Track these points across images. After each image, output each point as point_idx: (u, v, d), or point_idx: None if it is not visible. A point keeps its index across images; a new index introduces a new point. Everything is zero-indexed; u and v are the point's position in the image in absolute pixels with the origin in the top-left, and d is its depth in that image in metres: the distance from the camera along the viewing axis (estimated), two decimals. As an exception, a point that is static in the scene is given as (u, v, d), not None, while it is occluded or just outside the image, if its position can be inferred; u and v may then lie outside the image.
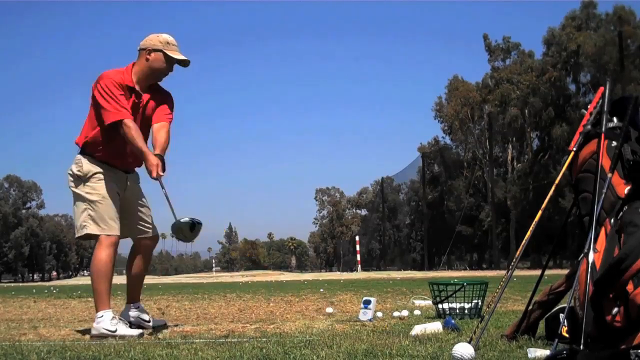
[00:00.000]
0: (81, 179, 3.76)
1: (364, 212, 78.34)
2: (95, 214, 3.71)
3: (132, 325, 3.80)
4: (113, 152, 3.79)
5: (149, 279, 26.97)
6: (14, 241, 62.16)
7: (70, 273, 77.85)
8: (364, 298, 4.27)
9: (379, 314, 4.42)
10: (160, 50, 3.82)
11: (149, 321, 4.02)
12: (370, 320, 4.03)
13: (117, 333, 3.50)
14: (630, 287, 2.14)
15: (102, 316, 3.58)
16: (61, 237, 74.11)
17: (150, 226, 4.02)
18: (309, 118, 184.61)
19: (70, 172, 3.81)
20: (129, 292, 4.08)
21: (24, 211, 67.04)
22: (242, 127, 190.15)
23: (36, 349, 2.81)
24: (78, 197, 3.76)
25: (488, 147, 42.85)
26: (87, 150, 3.79)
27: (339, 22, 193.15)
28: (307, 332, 3.43)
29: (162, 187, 3.74)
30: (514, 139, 43.43)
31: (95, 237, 3.73)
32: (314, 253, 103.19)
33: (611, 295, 2.19)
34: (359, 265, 33.17)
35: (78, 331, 3.87)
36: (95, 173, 3.76)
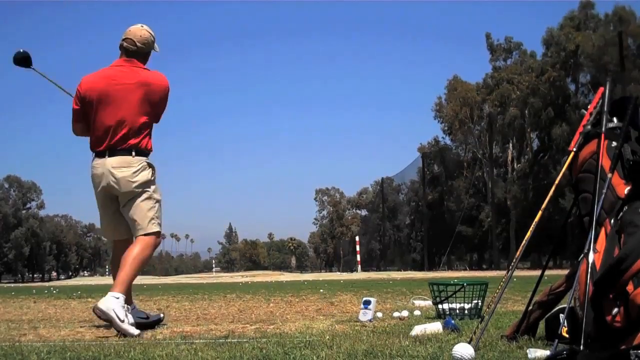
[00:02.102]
0: (150, 182, 3.90)
1: (364, 212, 78.35)
2: (159, 213, 3.94)
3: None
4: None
5: (149, 279, 26.98)
6: (14, 241, 62.14)
7: (70, 273, 77.83)
8: (364, 298, 4.27)
9: (379, 315, 4.42)
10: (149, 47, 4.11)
11: (147, 318, 4.05)
12: (370, 320, 4.03)
13: (122, 324, 3.45)
14: (630, 287, 2.14)
15: (118, 298, 3.55)
16: (61, 238, 74.10)
17: None
18: (309, 118, 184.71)
19: (139, 179, 3.84)
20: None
21: (24, 211, 66.99)
22: (242, 127, 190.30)
23: (36, 350, 2.81)
24: (148, 197, 3.88)
25: (488, 147, 42.85)
26: (146, 148, 3.92)
27: (339, 22, 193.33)
28: (307, 333, 3.43)
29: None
30: (514, 139, 43.43)
31: (158, 235, 3.92)
32: (314, 253, 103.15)
33: (611, 296, 2.19)
34: (359, 266, 33.16)
35: (79, 331, 3.88)
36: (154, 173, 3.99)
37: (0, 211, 61.75)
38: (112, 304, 3.49)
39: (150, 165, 3.90)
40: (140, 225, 3.83)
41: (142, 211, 3.84)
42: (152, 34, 4.05)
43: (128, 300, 3.93)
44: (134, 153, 3.83)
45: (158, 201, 3.93)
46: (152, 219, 3.85)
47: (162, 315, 4.26)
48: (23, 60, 4.22)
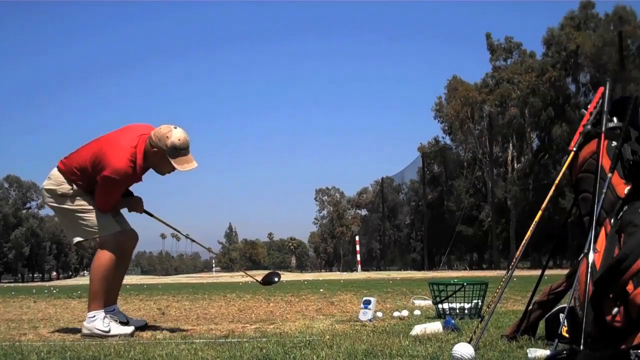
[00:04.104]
0: (66, 196, 3.80)
1: (364, 212, 78.33)
2: (93, 219, 3.79)
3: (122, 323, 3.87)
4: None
5: (149, 279, 26.96)
6: (14, 241, 62.12)
7: (70, 273, 77.79)
8: (364, 298, 4.28)
9: (379, 314, 4.43)
10: (165, 156, 3.68)
11: (126, 322, 4.01)
12: (370, 320, 4.04)
13: (110, 333, 3.55)
14: (630, 287, 2.14)
15: (94, 316, 3.63)
16: (61, 238, 73.92)
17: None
18: (309, 118, 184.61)
19: (49, 189, 3.82)
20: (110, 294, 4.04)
21: (24, 211, 66.99)
22: (242, 127, 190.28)
23: (36, 349, 2.82)
24: (69, 211, 3.81)
25: (488, 147, 42.83)
26: (70, 177, 3.81)
27: (339, 22, 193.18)
28: (307, 332, 3.43)
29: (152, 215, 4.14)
30: (514, 139, 43.42)
31: (104, 239, 3.78)
32: (314, 253, 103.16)
33: (611, 296, 2.19)
34: (359, 265, 33.16)
35: (77, 331, 3.88)
36: (81, 191, 3.83)
37: (1, 211, 61.75)
38: (92, 324, 3.62)
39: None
40: None
41: None
42: (174, 146, 3.64)
43: (112, 301, 3.96)
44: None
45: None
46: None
47: (146, 322, 4.23)
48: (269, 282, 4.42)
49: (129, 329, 3.61)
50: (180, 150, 3.67)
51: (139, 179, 3.91)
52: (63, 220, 3.93)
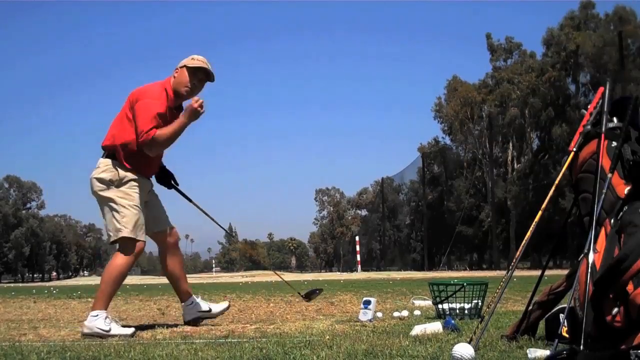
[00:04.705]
0: (113, 184, 3.83)
1: (364, 212, 78.38)
2: (128, 219, 3.79)
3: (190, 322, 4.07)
4: (144, 161, 3.90)
5: (149, 279, 26.96)
6: (14, 241, 62.17)
7: (70, 273, 77.89)
8: (364, 298, 4.27)
9: (379, 315, 4.42)
10: (184, 66, 3.95)
11: (209, 310, 4.15)
12: (370, 320, 4.03)
13: (110, 332, 3.56)
14: (630, 287, 2.14)
15: (97, 315, 3.64)
16: (61, 238, 74.14)
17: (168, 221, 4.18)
18: (309, 118, 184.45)
19: (98, 178, 3.84)
20: (177, 293, 4.22)
21: (24, 211, 67.04)
22: (242, 127, 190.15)
23: (36, 349, 2.82)
24: (110, 201, 3.81)
25: (488, 147, 42.87)
26: (118, 156, 3.84)
27: (339, 22, 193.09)
28: (307, 333, 3.43)
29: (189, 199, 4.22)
30: (514, 139, 43.46)
31: (128, 242, 3.79)
32: (314, 253, 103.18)
33: (611, 296, 2.19)
34: (359, 266, 33.18)
35: (79, 331, 3.88)
36: (129, 180, 3.84)
37: (1, 211, 61.78)
38: (93, 323, 3.62)
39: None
40: None
41: None
42: (191, 57, 3.98)
43: (185, 296, 4.17)
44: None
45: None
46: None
47: (227, 304, 4.41)
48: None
49: (130, 330, 3.62)
50: (198, 60, 3.95)
51: (172, 117, 3.93)
52: (103, 213, 3.90)
